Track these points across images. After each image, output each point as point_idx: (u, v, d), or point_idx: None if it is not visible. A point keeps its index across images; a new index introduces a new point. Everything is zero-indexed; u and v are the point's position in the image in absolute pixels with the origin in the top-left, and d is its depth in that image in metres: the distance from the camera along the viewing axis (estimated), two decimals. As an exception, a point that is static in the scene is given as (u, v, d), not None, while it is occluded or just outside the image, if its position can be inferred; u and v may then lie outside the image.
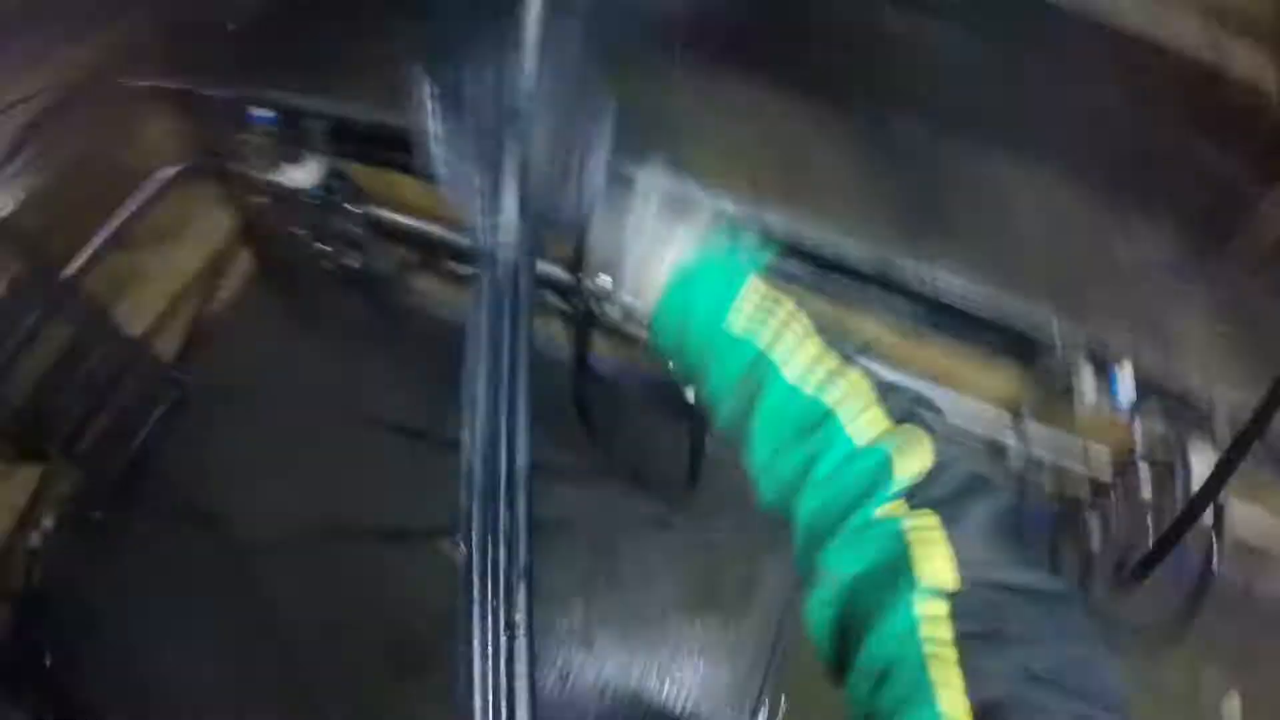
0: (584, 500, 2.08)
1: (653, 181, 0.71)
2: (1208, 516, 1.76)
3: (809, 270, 1.85)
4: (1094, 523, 1.98)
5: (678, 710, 2.03)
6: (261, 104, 1.93)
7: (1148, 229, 1.98)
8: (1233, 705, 2.20)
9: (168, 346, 2.29)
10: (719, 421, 0.73)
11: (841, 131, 1.98)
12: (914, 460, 0.60)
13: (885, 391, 0.66)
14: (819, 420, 0.63)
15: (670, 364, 0.74)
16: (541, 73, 0.61)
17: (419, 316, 2.35)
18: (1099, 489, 1.97)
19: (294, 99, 1.94)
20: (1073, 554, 2.09)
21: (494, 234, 0.65)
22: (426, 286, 2.35)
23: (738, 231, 0.73)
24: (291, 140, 1.93)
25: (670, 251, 0.68)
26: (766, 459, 0.67)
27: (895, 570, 0.55)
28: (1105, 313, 1.80)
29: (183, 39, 2.01)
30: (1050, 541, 2.12)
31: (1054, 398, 1.83)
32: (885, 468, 0.60)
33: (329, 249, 2.08)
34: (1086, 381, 1.75)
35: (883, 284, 1.83)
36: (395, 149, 1.97)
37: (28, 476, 2.10)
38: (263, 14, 2.02)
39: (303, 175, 1.90)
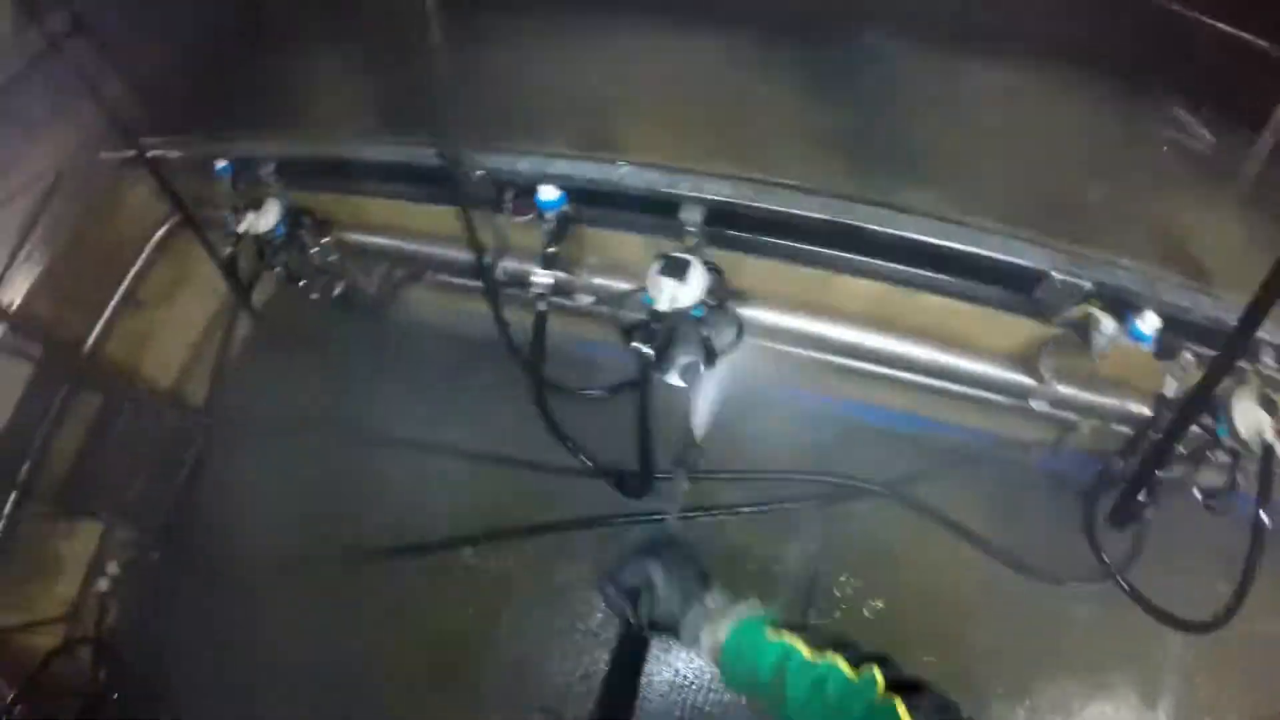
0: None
1: (715, 599, 1.31)
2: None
3: (781, 244, 1.69)
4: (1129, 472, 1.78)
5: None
6: (219, 156, 1.99)
7: (1152, 118, 1.72)
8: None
9: (196, 392, 2.43)
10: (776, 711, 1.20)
11: (778, 65, 1.74)
12: (882, 681, 1.08)
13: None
14: (825, 675, 1.12)
15: (734, 686, 1.27)
16: (664, 573, 1.31)
17: (416, 328, 2.37)
18: (1134, 436, 1.76)
19: (249, 145, 1.99)
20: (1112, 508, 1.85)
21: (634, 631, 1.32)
22: (418, 298, 2.37)
23: (755, 605, 1.30)
24: (251, 186, 1.98)
25: (725, 627, 1.26)
26: (798, 705, 1.14)
27: None
28: (1115, 240, 1.53)
29: (146, 105, 2.10)
30: (1090, 494, 1.94)
31: (1073, 346, 1.61)
32: (871, 684, 1.07)
33: (312, 281, 2.13)
34: (1105, 327, 1.52)
35: (863, 247, 1.63)
36: (351, 176, 1.98)
37: (91, 530, 2.30)
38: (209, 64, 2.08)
39: (265, 219, 1.94)
